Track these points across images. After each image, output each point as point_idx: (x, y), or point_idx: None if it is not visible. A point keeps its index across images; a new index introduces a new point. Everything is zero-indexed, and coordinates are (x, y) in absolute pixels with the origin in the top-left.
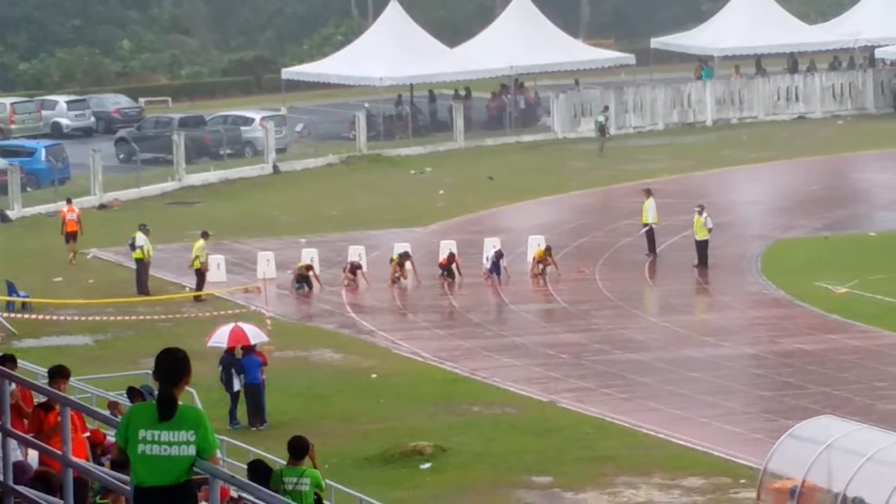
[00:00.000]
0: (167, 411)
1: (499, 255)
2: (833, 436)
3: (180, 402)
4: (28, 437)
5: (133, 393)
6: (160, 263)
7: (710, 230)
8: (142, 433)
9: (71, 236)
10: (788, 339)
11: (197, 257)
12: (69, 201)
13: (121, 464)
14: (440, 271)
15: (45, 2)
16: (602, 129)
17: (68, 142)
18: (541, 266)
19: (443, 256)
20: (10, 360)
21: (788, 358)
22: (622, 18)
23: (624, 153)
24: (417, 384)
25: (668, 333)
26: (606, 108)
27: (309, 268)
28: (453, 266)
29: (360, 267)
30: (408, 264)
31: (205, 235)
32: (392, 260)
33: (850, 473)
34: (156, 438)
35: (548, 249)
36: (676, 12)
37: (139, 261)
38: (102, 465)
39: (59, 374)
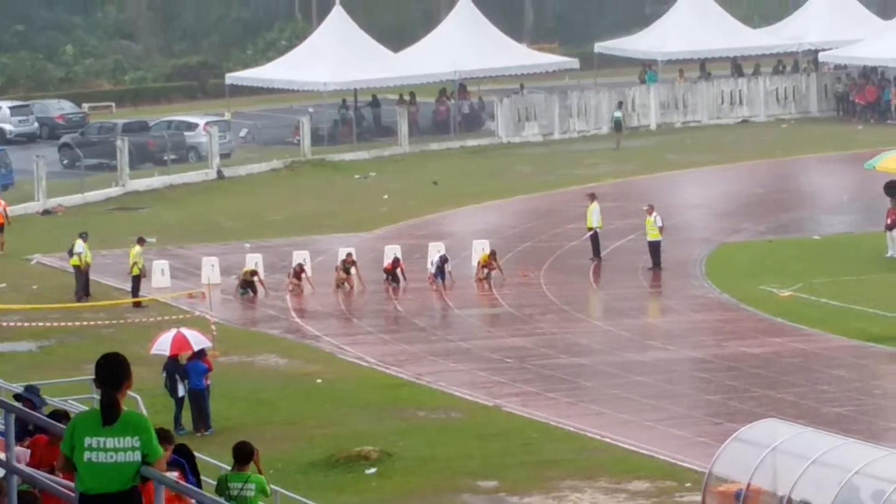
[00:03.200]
0: (110, 415)
1: (443, 259)
2: (778, 439)
3: (124, 408)
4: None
5: (19, 398)
6: (104, 269)
7: (660, 228)
8: (87, 440)
9: None
10: (733, 342)
11: (135, 264)
12: None
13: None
14: (385, 276)
15: None
16: (618, 124)
17: (11, 147)
18: (486, 270)
19: (387, 261)
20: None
21: (733, 361)
22: (566, 23)
23: (568, 157)
24: (362, 389)
25: (612, 337)
26: (621, 103)
27: (253, 273)
28: (398, 271)
29: (303, 270)
30: (353, 270)
31: (141, 241)
32: (336, 268)
33: (795, 476)
34: (101, 445)
35: (492, 254)
36: (620, 16)
37: (76, 267)
38: None
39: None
